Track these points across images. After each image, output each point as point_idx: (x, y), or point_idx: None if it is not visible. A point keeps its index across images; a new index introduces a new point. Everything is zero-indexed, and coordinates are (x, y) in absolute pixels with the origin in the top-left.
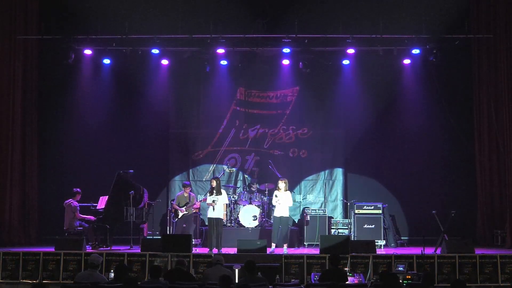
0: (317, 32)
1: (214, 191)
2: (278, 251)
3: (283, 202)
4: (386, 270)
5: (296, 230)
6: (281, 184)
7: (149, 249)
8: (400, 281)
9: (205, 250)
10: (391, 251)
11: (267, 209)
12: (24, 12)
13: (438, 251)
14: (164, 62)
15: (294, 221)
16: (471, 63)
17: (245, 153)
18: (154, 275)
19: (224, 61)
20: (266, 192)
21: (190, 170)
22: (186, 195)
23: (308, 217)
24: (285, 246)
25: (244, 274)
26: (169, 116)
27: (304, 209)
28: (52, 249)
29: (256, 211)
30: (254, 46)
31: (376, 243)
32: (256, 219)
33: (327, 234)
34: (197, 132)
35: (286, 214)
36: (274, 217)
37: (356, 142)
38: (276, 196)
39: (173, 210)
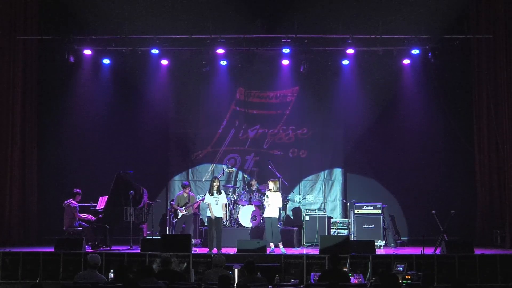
0: (316, 32)
1: (215, 191)
2: (277, 251)
3: (273, 203)
4: (385, 270)
5: (296, 230)
6: (271, 185)
7: (149, 249)
8: (400, 281)
9: (205, 250)
10: (391, 251)
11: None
12: (24, 12)
13: (438, 251)
14: (164, 62)
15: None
16: (471, 63)
17: (244, 153)
18: (147, 274)
19: (223, 61)
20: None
21: (190, 170)
22: (185, 195)
23: (308, 217)
24: (280, 245)
25: (243, 274)
26: (169, 116)
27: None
28: (52, 249)
29: (256, 211)
30: (253, 46)
31: (375, 243)
32: (255, 219)
33: (326, 234)
34: (196, 132)
35: (274, 215)
36: (265, 217)
37: (356, 142)
38: (267, 196)
39: (172, 210)
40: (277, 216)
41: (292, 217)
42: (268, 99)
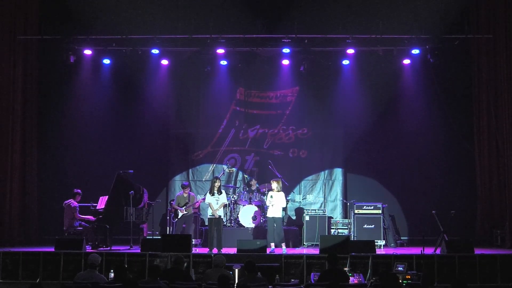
0: (317, 32)
1: (216, 191)
2: (278, 251)
3: (276, 203)
4: (385, 270)
5: (295, 230)
6: (274, 184)
7: (149, 249)
8: (400, 281)
9: (205, 250)
10: (391, 251)
11: (266, 209)
12: (24, 12)
13: (438, 251)
14: (164, 62)
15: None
16: (471, 63)
17: (244, 153)
18: (152, 275)
19: (224, 61)
20: (266, 193)
21: (190, 170)
22: (185, 195)
23: (308, 217)
24: (283, 245)
25: (244, 274)
26: (169, 116)
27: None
28: (52, 249)
29: (257, 211)
30: (254, 46)
31: (375, 243)
32: (256, 219)
33: (326, 234)
34: (197, 132)
35: (278, 214)
36: (268, 217)
37: (356, 142)
38: (271, 197)
39: (172, 210)
40: (281, 216)
41: (292, 217)
42: (268, 99)
